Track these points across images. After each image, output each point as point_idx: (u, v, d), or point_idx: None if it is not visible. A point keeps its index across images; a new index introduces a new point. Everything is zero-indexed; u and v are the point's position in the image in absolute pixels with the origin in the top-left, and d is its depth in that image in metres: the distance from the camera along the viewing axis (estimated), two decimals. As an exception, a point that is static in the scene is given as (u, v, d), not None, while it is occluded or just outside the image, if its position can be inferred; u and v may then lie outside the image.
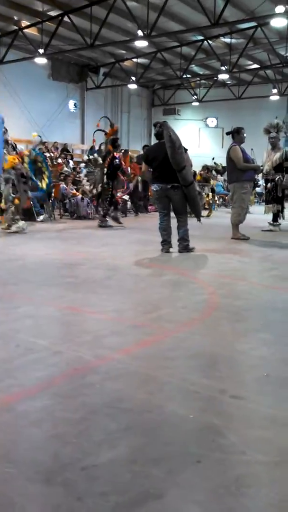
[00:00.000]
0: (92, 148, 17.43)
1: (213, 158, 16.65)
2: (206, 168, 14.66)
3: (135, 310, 3.70)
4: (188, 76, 21.28)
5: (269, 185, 9.02)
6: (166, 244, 6.52)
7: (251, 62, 19.42)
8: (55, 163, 14.15)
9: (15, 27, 16.17)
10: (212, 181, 14.47)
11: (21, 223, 8.18)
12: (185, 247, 6.48)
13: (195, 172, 13.02)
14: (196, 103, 23.14)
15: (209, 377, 2.48)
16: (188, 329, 3.28)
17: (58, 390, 2.28)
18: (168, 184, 6.29)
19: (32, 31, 16.26)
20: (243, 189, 7.74)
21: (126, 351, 2.81)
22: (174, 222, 6.60)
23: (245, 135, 7.90)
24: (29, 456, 1.75)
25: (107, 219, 9.59)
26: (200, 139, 23.91)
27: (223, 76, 19.48)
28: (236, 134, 7.86)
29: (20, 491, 1.56)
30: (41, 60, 17.39)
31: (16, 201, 8.16)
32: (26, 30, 16.08)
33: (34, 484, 1.59)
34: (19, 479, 1.61)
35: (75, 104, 21.71)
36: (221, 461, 1.75)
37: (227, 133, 8.08)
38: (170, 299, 4.10)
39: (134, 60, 19.78)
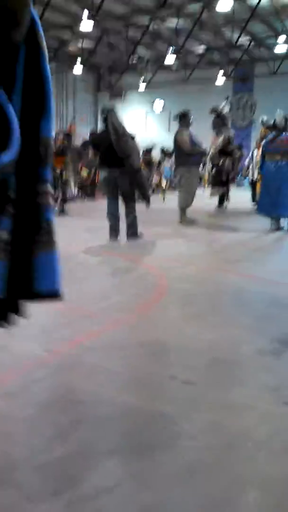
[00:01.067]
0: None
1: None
2: (145, 151, 14.18)
3: (85, 299, 3.66)
4: (134, 59, 21.11)
5: (213, 169, 9.13)
6: (114, 230, 6.48)
7: (198, 45, 19.44)
8: None
9: None
10: (153, 160, 14.04)
11: None
12: (133, 234, 6.46)
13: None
14: (143, 87, 23.01)
15: (159, 364, 2.49)
16: (138, 316, 3.29)
17: (6, 388, 2.23)
18: (115, 170, 6.24)
19: None
20: (190, 173, 7.80)
21: (76, 343, 2.79)
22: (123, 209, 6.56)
23: (191, 119, 7.93)
24: (-23, 457, 1.71)
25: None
26: (147, 124, 23.86)
27: (170, 60, 19.43)
28: (183, 118, 7.87)
29: None
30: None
31: None
32: None
33: (-17, 486, 1.55)
34: None
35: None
36: (173, 448, 1.77)
37: (175, 116, 8.08)
38: (120, 287, 4.09)
39: (80, 44, 19.40)
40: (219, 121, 9.00)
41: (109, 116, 6.10)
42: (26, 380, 2.29)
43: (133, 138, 6.39)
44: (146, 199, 6.66)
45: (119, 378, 2.35)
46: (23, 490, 1.53)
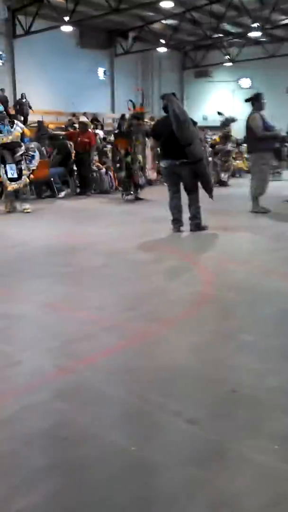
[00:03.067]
0: (123, 116, 16.95)
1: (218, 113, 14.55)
2: (223, 124, 12.91)
3: (118, 306, 3.49)
4: (220, 35, 20.29)
5: None
6: (176, 223, 6.22)
7: (285, 17, 18.21)
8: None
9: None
10: (232, 137, 12.87)
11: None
12: (196, 226, 6.17)
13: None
14: (229, 64, 22.14)
15: (168, 394, 2.26)
16: (166, 330, 3.06)
17: (-2, 414, 2.13)
18: (176, 161, 5.95)
19: (57, -1, 15.78)
20: (262, 160, 7.29)
21: (90, 360, 2.63)
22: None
23: (265, 101, 7.37)
24: None
25: (131, 192, 9.48)
26: (234, 102, 22.95)
27: (255, 34, 18.42)
28: (255, 101, 7.34)
29: None
30: (67, 28, 16.94)
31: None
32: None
33: None
34: None
35: (104, 72, 21.22)
36: (145, 512, 1.56)
37: (246, 100, 7.57)
38: (160, 292, 3.85)
39: (163, 22, 18.97)
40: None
41: (169, 103, 5.79)
42: (21, 406, 2.18)
43: (195, 124, 6.05)
44: (208, 190, 6.32)
45: (117, 410, 2.16)
46: None
